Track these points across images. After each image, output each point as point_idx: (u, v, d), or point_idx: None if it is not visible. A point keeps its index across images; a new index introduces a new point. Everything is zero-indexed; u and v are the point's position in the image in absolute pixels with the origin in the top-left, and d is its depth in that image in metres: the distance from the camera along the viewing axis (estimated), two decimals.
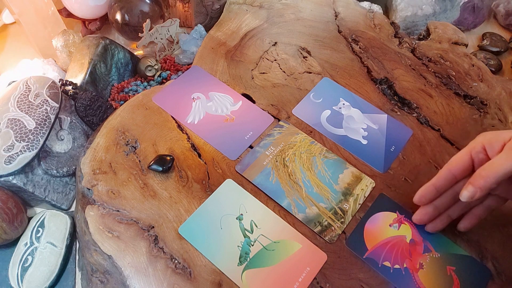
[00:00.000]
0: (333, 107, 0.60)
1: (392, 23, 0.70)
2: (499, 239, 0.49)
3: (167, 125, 0.57)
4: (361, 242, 0.48)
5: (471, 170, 0.42)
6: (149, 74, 0.65)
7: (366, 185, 0.53)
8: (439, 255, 0.47)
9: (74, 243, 0.52)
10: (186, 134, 0.57)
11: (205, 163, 0.54)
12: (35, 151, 0.51)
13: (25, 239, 0.50)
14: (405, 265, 0.46)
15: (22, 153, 0.50)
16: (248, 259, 0.46)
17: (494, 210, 0.46)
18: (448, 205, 0.46)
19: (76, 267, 0.51)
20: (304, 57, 0.65)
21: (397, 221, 0.49)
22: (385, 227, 0.49)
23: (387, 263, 0.46)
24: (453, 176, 0.43)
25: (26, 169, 0.52)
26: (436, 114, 0.60)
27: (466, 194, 0.39)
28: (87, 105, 0.58)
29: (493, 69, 0.70)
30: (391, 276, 0.46)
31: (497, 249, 0.48)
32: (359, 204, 0.51)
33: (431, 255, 0.47)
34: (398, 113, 0.60)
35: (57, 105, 0.55)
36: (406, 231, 0.49)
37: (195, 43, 0.68)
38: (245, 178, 0.53)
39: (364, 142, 0.57)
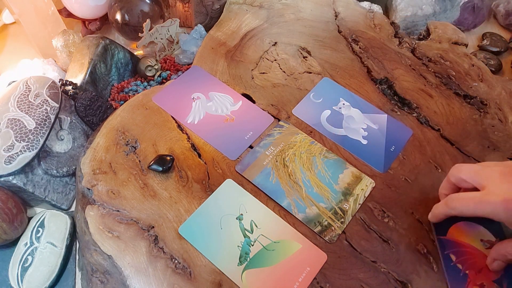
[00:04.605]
0: (333, 107, 0.60)
1: (392, 23, 0.70)
2: None
3: (167, 125, 0.57)
4: (446, 224, 0.47)
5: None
6: (149, 74, 0.65)
7: (366, 185, 0.53)
8: None
9: (74, 243, 0.52)
10: (186, 134, 0.57)
11: (205, 163, 0.54)
12: (35, 151, 0.51)
13: (25, 239, 0.50)
14: (467, 272, 0.45)
15: (22, 153, 0.50)
16: (248, 259, 0.46)
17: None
18: None
19: (76, 267, 0.51)
20: (304, 57, 0.65)
21: (490, 245, 0.46)
22: (475, 238, 0.47)
23: (453, 257, 0.46)
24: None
25: (26, 169, 0.52)
26: (436, 114, 0.60)
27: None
28: (87, 105, 0.58)
29: (493, 69, 0.70)
30: (449, 268, 0.45)
31: None
32: (359, 204, 0.51)
33: None
34: (398, 113, 0.60)
35: (57, 105, 0.55)
36: None
37: (195, 43, 0.68)
38: (245, 178, 0.53)
39: (364, 142, 0.57)
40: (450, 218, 0.47)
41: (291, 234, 0.48)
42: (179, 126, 0.57)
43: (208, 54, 0.66)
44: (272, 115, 0.59)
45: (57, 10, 0.70)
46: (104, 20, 0.76)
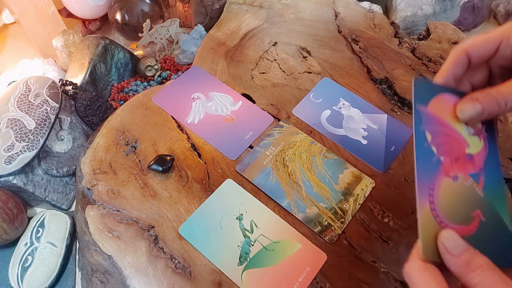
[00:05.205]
0: (333, 107, 0.60)
1: (392, 23, 0.70)
2: None
3: (167, 125, 0.57)
4: (430, 93, 0.35)
5: (489, 59, 0.34)
6: (149, 74, 0.65)
7: (366, 185, 0.53)
8: (481, 195, 0.34)
9: (74, 243, 0.52)
10: (186, 134, 0.57)
11: (205, 163, 0.54)
12: (35, 151, 0.51)
13: (25, 239, 0.50)
14: (441, 158, 0.34)
15: (22, 153, 0.50)
16: (248, 259, 0.46)
17: None
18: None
19: (76, 267, 0.51)
20: (304, 57, 0.65)
21: (476, 131, 0.36)
22: (456, 117, 0.35)
23: (428, 136, 0.34)
24: (467, 62, 0.35)
25: (26, 169, 0.52)
26: None
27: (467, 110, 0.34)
28: (87, 105, 0.58)
29: None
30: (421, 148, 0.33)
31: None
32: (359, 204, 0.51)
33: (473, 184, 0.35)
34: (398, 113, 0.60)
35: (57, 105, 0.55)
36: (476, 145, 0.35)
37: (195, 43, 0.68)
38: (245, 178, 0.53)
39: (364, 142, 0.57)
40: (436, 87, 0.36)
41: (291, 234, 0.48)
42: (179, 126, 0.57)
43: (208, 54, 0.66)
44: (272, 115, 0.59)
45: (57, 10, 0.70)
46: (104, 20, 0.76)
